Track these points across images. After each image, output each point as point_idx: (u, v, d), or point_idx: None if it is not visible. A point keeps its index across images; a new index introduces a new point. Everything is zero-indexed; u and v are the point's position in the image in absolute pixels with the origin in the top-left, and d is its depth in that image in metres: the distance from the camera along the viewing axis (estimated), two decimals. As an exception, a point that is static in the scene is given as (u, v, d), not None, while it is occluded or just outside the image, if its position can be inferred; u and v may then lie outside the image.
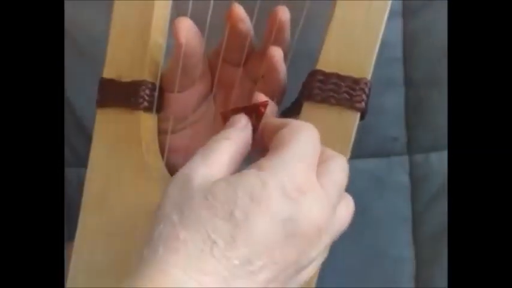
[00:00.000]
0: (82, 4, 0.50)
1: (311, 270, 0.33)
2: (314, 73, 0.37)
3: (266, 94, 0.37)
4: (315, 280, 0.37)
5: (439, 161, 0.51)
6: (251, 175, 0.31)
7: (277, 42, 0.39)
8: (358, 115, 0.37)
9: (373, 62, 0.37)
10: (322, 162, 0.33)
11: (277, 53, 0.38)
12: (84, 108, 0.52)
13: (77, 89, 0.51)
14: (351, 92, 0.37)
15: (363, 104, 0.37)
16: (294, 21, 0.40)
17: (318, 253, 0.32)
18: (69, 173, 0.52)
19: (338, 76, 0.37)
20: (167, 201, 0.31)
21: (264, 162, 0.32)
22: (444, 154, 0.51)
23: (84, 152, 0.43)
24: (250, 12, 0.40)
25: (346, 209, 0.34)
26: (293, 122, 0.34)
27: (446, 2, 0.35)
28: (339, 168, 0.34)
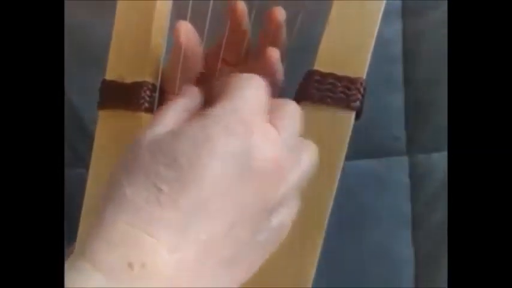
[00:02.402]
0: (82, 4, 0.51)
1: (284, 217, 0.32)
2: (311, 73, 0.38)
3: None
4: (311, 280, 0.37)
5: (439, 161, 0.51)
6: (193, 122, 0.31)
7: (274, 42, 0.40)
8: (354, 114, 0.37)
9: (368, 62, 0.37)
10: (273, 108, 0.33)
11: (274, 54, 0.38)
12: (84, 109, 0.52)
13: (77, 89, 0.52)
14: (347, 91, 0.37)
15: (358, 103, 0.37)
16: (291, 20, 0.40)
17: (284, 194, 0.31)
18: (69, 173, 0.52)
19: (335, 76, 0.37)
20: (116, 167, 0.31)
21: (208, 110, 0.31)
22: (444, 154, 0.51)
23: (84, 152, 0.43)
24: (247, 12, 0.40)
25: (307, 154, 0.33)
26: (239, 74, 0.34)
27: (447, 2, 0.35)
28: (291, 111, 0.33)
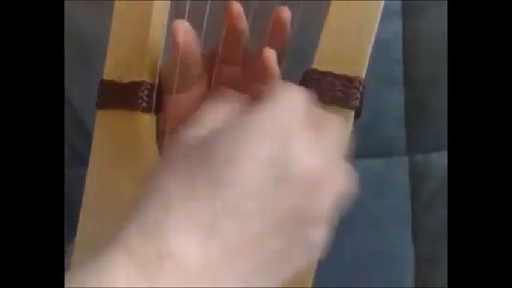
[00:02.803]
0: (82, 4, 0.51)
1: (319, 233, 0.31)
2: (309, 72, 0.38)
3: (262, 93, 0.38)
4: (311, 280, 0.37)
5: (439, 161, 0.51)
6: (235, 122, 0.31)
7: (275, 40, 0.40)
8: (353, 113, 0.37)
9: (367, 61, 0.37)
10: (319, 120, 0.32)
11: (269, 54, 0.39)
12: (84, 109, 0.52)
13: (77, 89, 0.52)
14: (346, 90, 0.37)
15: (357, 102, 0.37)
16: (291, 19, 0.40)
17: (319, 208, 0.30)
18: (69, 173, 0.52)
19: (333, 75, 0.37)
20: (160, 161, 0.31)
21: (252, 108, 0.31)
22: (444, 154, 0.51)
23: (84, 152, 0.43)
24: (245, 12, 0.40)
25: (345, 172, 0.32)
26: (286, 82, 0.34)
27: (447, 2, 0.35)
28: (336, 125, 0.33)
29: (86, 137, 0.51)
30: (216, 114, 0.33)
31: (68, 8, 0.43)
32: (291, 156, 0.29)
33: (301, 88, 0.33)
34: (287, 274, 0.31)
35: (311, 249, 0.31)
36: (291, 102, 0.32)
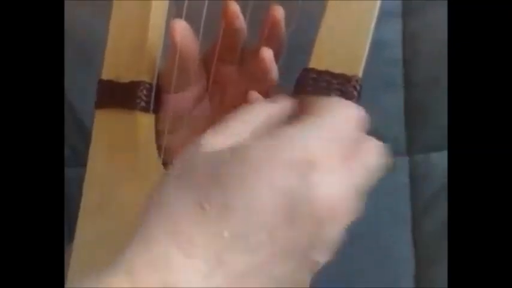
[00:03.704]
0: (82, 4, 0.50)
1: (325, 258, 0.30)
2: (307, 71, 0.38)
3: (260, 93, 0.38)
4: (308, 280, 0.37)
5: (439, 161, 0.51)
6: (260, 141, 0.29)
7: (271, 40, 0.40)
8: None
9: (364, 59, 0.37)
10: (357, 145, 0.31)
11: (267, 54, 0.38)
12: (84, 108, 0.52)
13: (77, 89, 0.51)
14: (343, 89, 0.37)
15: (354, 100, 0.37)
16: (288, 18, 0.40)
17: (331, 238, 0.30)
18: (69, 173, 0.52)
19: (330, 74, 0.37)
20: (170, 172, 0.30)
21: (282, 130, 0.30)
22: (444, 154, 0.51)
23: (84, 152, 0.43)
24: (243, 10, 0.40)
25: (359, 202, 0.31)
26: (335, 98, 0.33)
27: (447, 2, 0.35)
28: (373, 154, 0.31)
29: (86, 137, 0.51)
30: (244, 127, 0.31)
31: (68, 8, 0.43)
32: (309, 190, 0.28)
33: (352, 105, 0.32)
34: None
35: (312, 272, 0.31)
36: (330, 123, 0.30)
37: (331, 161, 0.29)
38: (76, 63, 0.51)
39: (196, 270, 0.27)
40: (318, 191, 0.28)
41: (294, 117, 0.33)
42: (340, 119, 0.31)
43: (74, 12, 0.50)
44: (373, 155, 0.31)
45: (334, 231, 0.30)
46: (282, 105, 0.34)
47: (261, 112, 0.33)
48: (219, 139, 0.30)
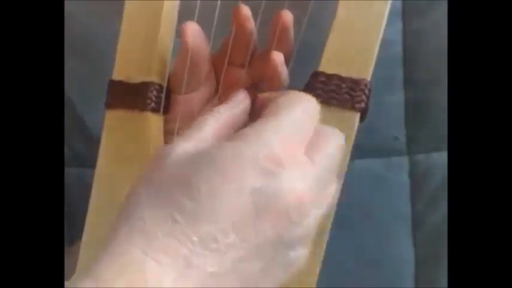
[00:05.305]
0: (82, 4, 0.51)
1: (301, 252, 0.31)
2: (316, 74, 0.38)
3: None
4: (315, 280, 0.37)
5: (439, 161, 0.51)
6: (224, 146, 0.30)
7: (281, 44, 0.40)
8: (359, 115, 0.37)
9: (373, 63, 0.37)
10: (316, 137, 0.32)
11: (277, 58, 0.39)
12: (84, 108, 0.52)
13: (77, 89, 0.52)
14: (352, 92, 0.37)
15: (363, 104, 0.37)
16: (298, 21, 0.40)
17: (304, 231, 0.30)
18: (69, 173, 0.52)
19: (339, 77, 0.37)
20: (138, 182, 0.30)
21: (245, 130, 0.30)
22: (444, 154, 0.51)
23: (84, 152, 0.43)
24: (253, 13, 0.40)
25: (333, 187, 0.32)
26: (291, 92, 0.33)
27: (447, 2, 0.35)
28: (333, 144, 0.32)
29: (86, 137, 0.51)
30: (208, 130, 0.32)
31: (69, 7, 0.43)
32: (277, 186, 0.29)
33: (309, 97, 0.33)
34: None
35: (292, 267, 0.31)
36: (291, 119, 0.31)
37: (293, 156, 0.30)
38: (76, 63, 0.51)
39: (166, 275, 0.27)
40: (283, 187, 0.29)
41: (254, 113, 0.34)
42: (299, 112, 0.32)
43: (75, 12, 0.50)
44: (334, 145, 0.32)
45: (305, 225, 0.30)
46: (238, 104, 0.34)
47: (223, 113, 0.33)
48: (185, 146, 0.31)
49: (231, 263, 0.28)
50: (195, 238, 0.28)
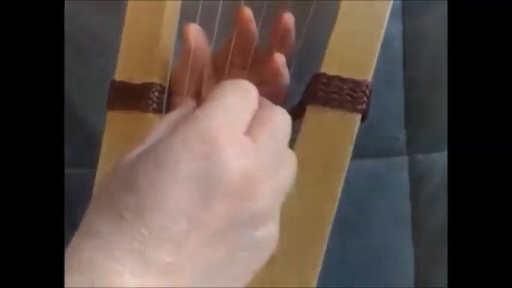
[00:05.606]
0: (82, 4, 0.51)
1: (267, 231, 0.31)
2: (317, 76, 0.38)
3: (270, 98, 0.37)
4: (315, 280, 0.37)
5: (439, 161, 0.51)
6: (159, 140, 0.30)
7: (283, 46, 0.40)
8: (360, 117, 0.37)
9: (374, 64, 0.38)
10: (258, 118, 0.32)
11: (279, 59, 0.39)
12: (84, 108, 0.52)
13: (77, 89, 0.52)
14: (353, 94, 0.37)
15: (364, 105, 0.37)
16: (299, 23, 0.40)
17: (260, 208, 0.30)
18: (69, 173, 0.52)
19: (340, 79, 0.37)
20: (98, 187, 0.31)
21: (179, 123, 0.31)
22: (444, 154, 0.51)
23: (84, 152, 0.43)
24: (255, 14, 0.40)
25: (287, 167, 0.32)
26: (225, 81, 0.33)
27: (447, 2, 0.35)
28: (276, 118, 0.32)
29: (86, 137, 0.51)
30: (163, 132, 0.32)
31: (69, 7, 0.43)
32: (219, 167, 0.29)
33: (242, 82, 0.33)
34: (244, 277, 0.31)
35: (261, 249, 0.31)
36: (226, 105, 0.31)
37: (231, 135, 0.30)
38: (76, 63, 0.51)
39: (126, 271, 0.27)
40: (223, 166, 0.29)
41: None
42: (230, 97, 0.32)
43: (75, 12, 0.50)
44: (277, 120, 0.32)
45: (259, 201, 0.30)
46: (188, 108, 0.35)
47: (173, 116, 0.34)
48: (138, 150, 0.31)
49: (190, 252, 0.28)
50: (144, 230, 0.28)
